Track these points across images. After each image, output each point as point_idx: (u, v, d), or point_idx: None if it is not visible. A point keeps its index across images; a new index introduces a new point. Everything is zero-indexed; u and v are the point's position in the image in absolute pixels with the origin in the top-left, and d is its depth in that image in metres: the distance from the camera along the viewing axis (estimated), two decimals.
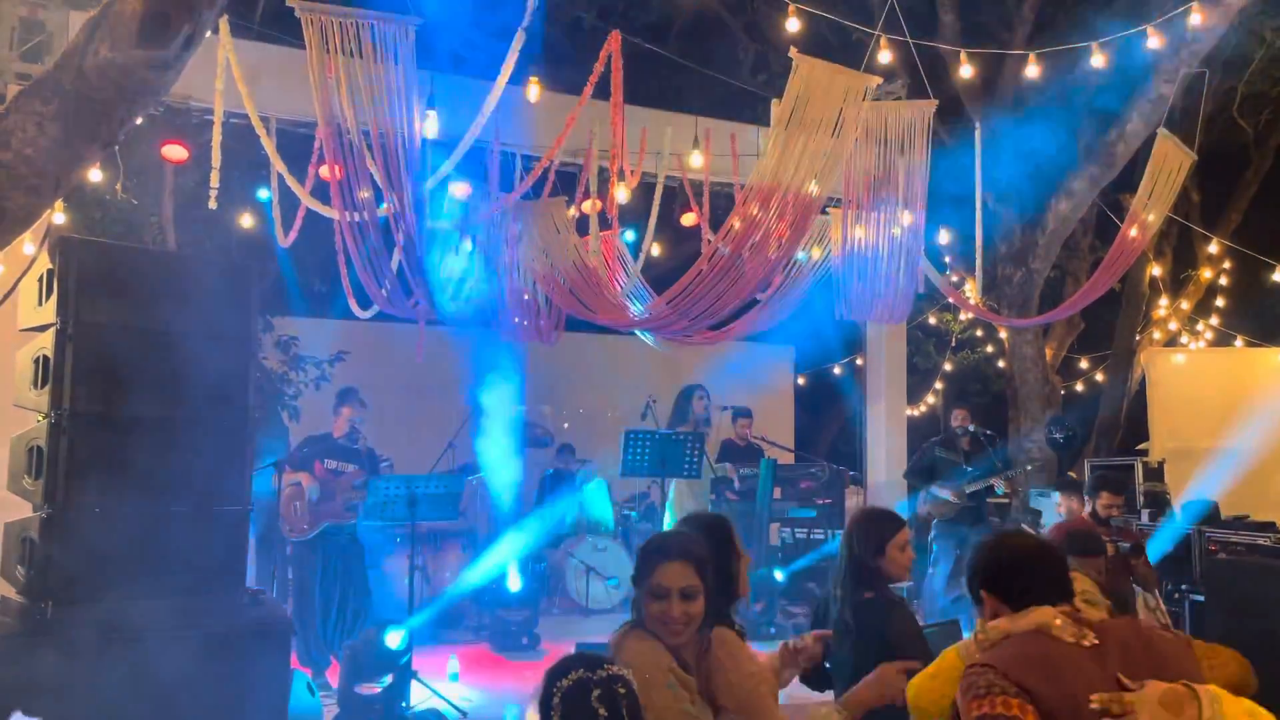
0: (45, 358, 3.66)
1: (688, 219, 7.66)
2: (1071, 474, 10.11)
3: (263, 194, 6.94)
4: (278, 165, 5.74)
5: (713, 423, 7.52)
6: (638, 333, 7.16)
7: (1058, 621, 2.10)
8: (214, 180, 5.40)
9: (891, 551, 3.32)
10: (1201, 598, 6.65)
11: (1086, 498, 5.46)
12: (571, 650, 2.54)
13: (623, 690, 1.97)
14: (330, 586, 6.25)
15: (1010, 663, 1.99)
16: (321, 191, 5.55)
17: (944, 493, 7.70)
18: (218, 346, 3.91)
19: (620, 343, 10.52)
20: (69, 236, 4.17)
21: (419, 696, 5.66)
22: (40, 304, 3.84)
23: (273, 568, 7.12)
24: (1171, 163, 6.40)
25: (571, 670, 2.00)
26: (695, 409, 7.56)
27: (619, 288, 6.93)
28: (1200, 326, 13.06)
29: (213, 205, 5.45)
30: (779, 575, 8.08)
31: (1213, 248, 11.97)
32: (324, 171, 5.44)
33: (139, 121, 4.54)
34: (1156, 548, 6.62)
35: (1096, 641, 2.05)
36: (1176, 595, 7.19)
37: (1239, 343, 12.40)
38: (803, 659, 2.99)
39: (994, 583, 2.32)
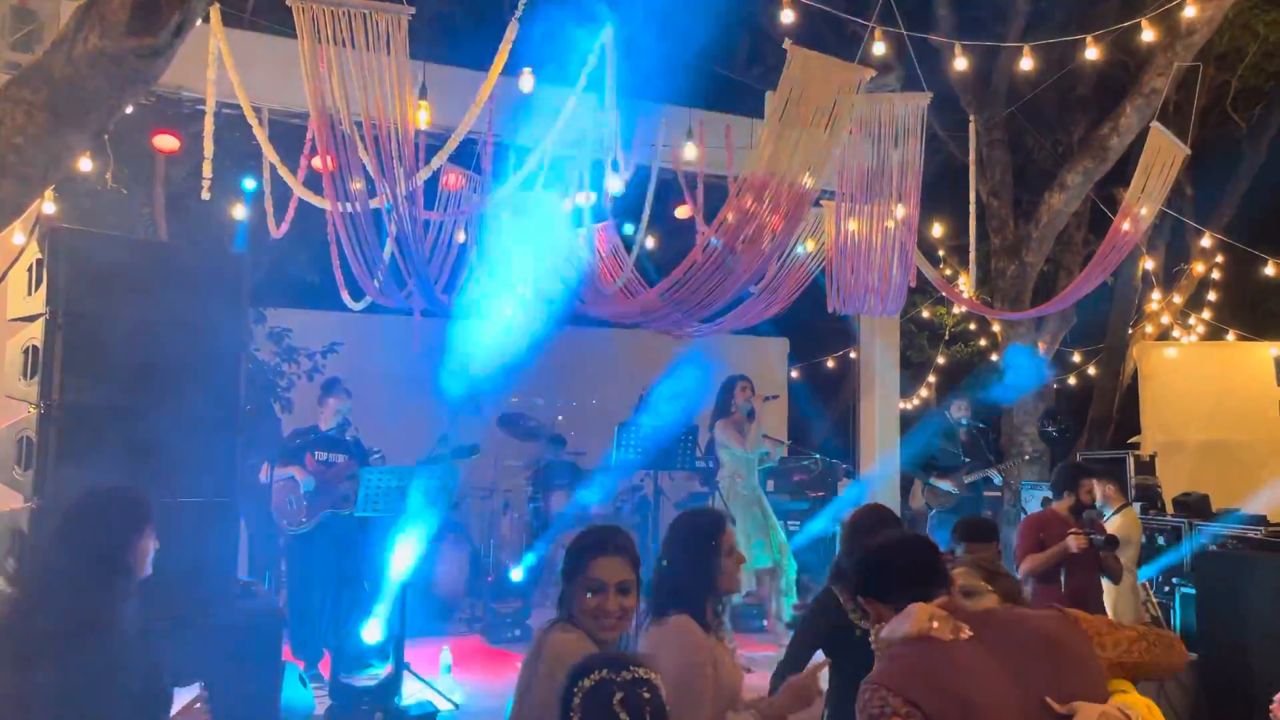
0: (35, 348, 3.65)
1: (682, 211, 7.65)
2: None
3: (249, 184, 6.91)
4: (270, 156, 5.71)
5: (756, 414, 7.44)
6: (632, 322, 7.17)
7: (934, 624, 2.04)
8: (206, 170, 5.37)
9: None
10: (1192, 590, 6.68)
11: (1066, 490, 5.46)
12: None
13: (647, 695, 1.90)
14: (328, 578, 6.23)
15: (897, 679, 1.96)
16: (314, 182, 5.53)
17: (944, 484, 7.73)
18: (208, 337, 3.90)
19: (614, 335, 10.51)
20: (59, 226, 4.14)
21: (411, 689, 5.66)
22: (30, 294, 3.82)
23: (265, 560, 7.12)
24: (1164, 156, 6.41)
25: (594, 670, 1.93)
26: (738, 400, 7.48)
27: (612, 280, 6.93)
28: (1192, 320, 13.09)
29: (205, 195, 5.42)
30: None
31: (1205, 242, 11.99)
32: (316, 162, 5.43)
33: (129, 110, 4.52)
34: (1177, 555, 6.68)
35: (971, 634, 2.01)
36: (1167, 588, 7.23)
37: (1231, 337, 12.44)
38: (812, 694, 2.84)
39: (867, 586, 2.26)
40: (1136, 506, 6.70)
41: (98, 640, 2.44)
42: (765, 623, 7.42)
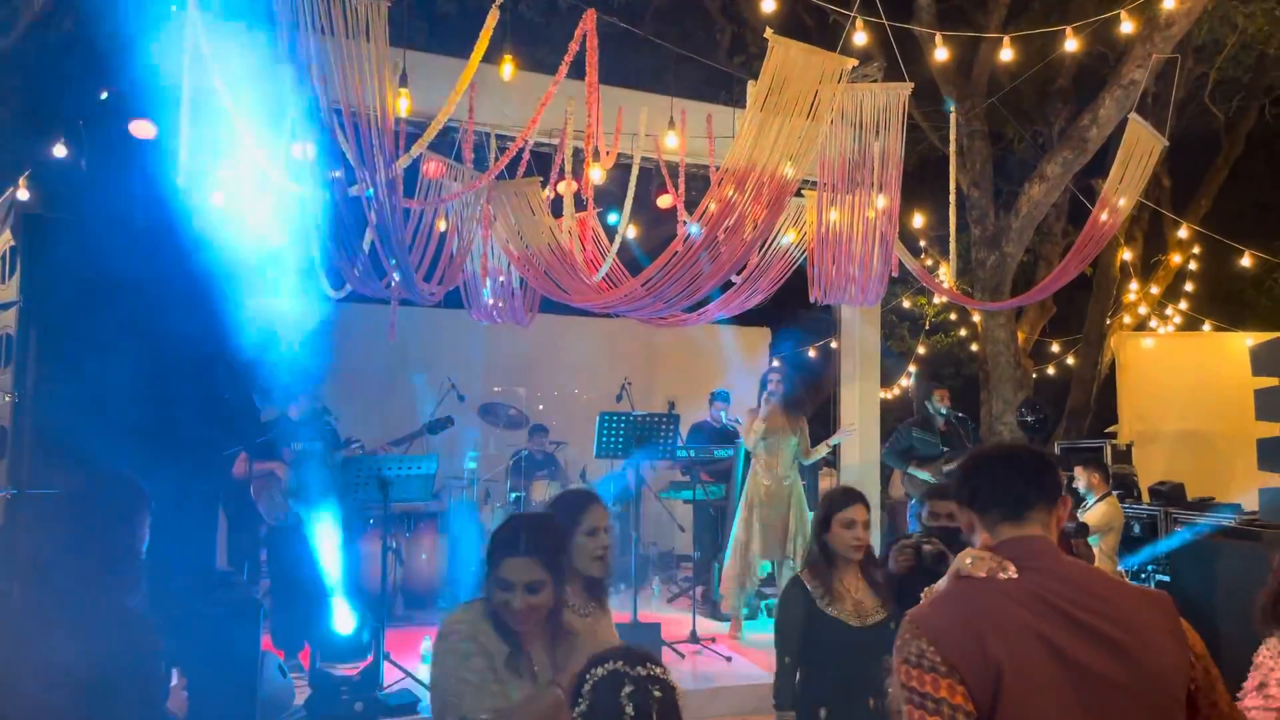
0: (8, 336, 3.61)
1: (664, 201, 7.63)
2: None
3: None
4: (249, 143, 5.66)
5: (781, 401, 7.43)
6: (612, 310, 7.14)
7: (967, 560, 1.90)
8: (183, 157, 5.31)
9: (835, 527, 3.43)
10: (1168, 578, 6.76)
11: None
12: None
13: (658, 693, 1.89)
14: (312, 567, 6.20)
15: (938, 631, 1.81)
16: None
17: (923, 473, 7.77)
18: (187, 326, 3.86)
19: (596, 325, 10.50)
20: (34, 213, 4.10)
21: (392, 678, 5.65)
22: (3, 281, 3.78)
23: (244, 550, 7.07)
24: (1143, 148, 6.44)
25: (610, 660, 1.94)
26: (770, 387, 7.48)
27: (594, 270, 6.91)
28: (1169, 311, 13.20)
29: (181, 183, 5.37)
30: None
31: (1183, 233, 12.09)
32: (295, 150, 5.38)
33: (105, 96, 4.47)
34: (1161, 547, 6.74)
35: (1014, 575, 1.84)
36: (1143, 575, 7.30)
37: (1207, 327, 12.56)
38: None
39: (959, 490, 2.05)
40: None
41: (109, 623, 2.46)
42: None
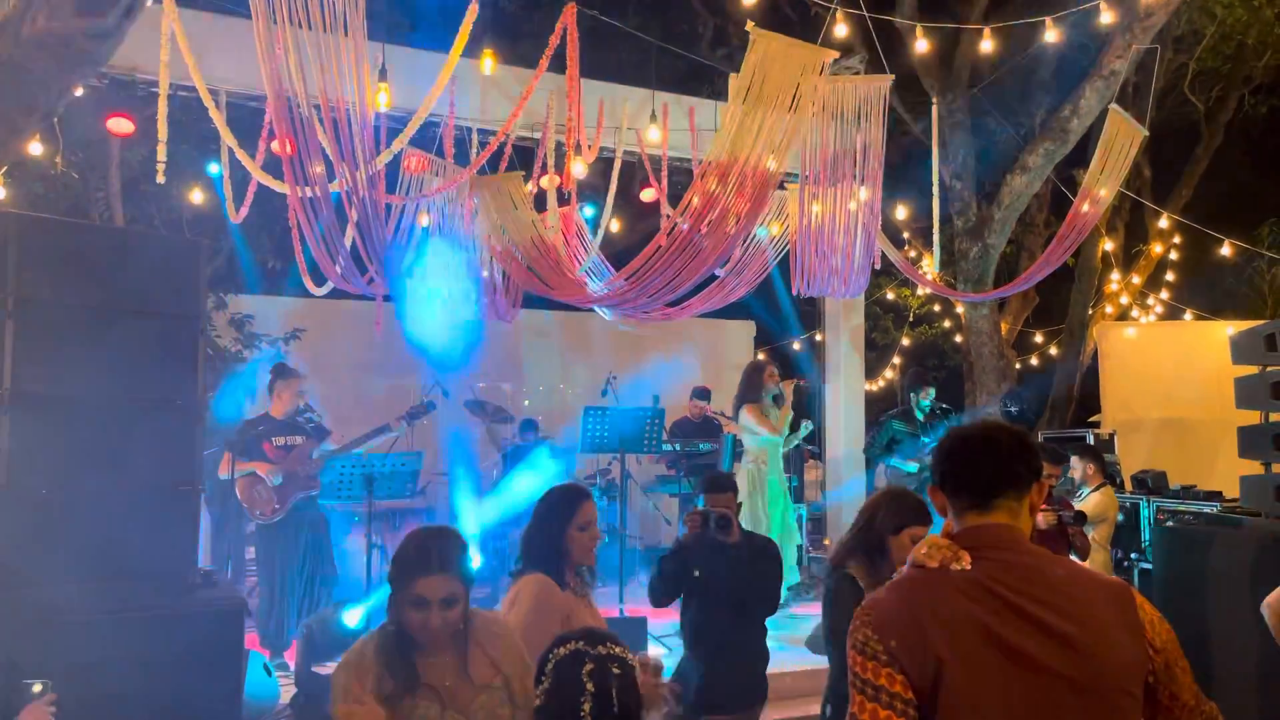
0: None
1: (647, 194, 7.63)
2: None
3: (213, 169, 6.80)
4: (227, 139, 5.62)
5: (785, 399, 7.39)
6: (596, 308, 7.10)
7: (922, 550, 1.89)
8: (161, 154, 5.27)
9: (905, 538, 3.38)
10: (1150, 566, 6.80)
11: None
12: None
13: (618, 671, 1.95)
14: (301, 565, 6.16)
15: (885, 617, 1.81)
16: (274, 166, 5.44)
17: (906, 464, 7.79)
18: (166, 324, 3.83)
19: (580, 319, 10.49)
20: (10, 212, 4.06)
21: None
22: None
23: (228, 547, 7.04)
24: (1123, 138, 6.48)
25: (571, 640, 2.00)
26: (766, 384, 7.41)
27: (577, 264, 6.90)
28: (1151, 300, 13.28)
29: (160, 180, 5.33)
30: None
31: (1163, 223, 12.16)
32: (275, 146, 5.35)
33: (80, 93, 4.43)
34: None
35: (967, 566, 1.82)
36: (1125, 564, 7.36)
37: (1188, 316, 12.64)
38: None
39: (934, 470, 2.01)
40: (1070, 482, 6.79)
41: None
42: None
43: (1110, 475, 7.24)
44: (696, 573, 3.92)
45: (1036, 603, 1.80)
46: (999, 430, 2.00)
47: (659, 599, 4.11)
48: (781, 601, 6.78)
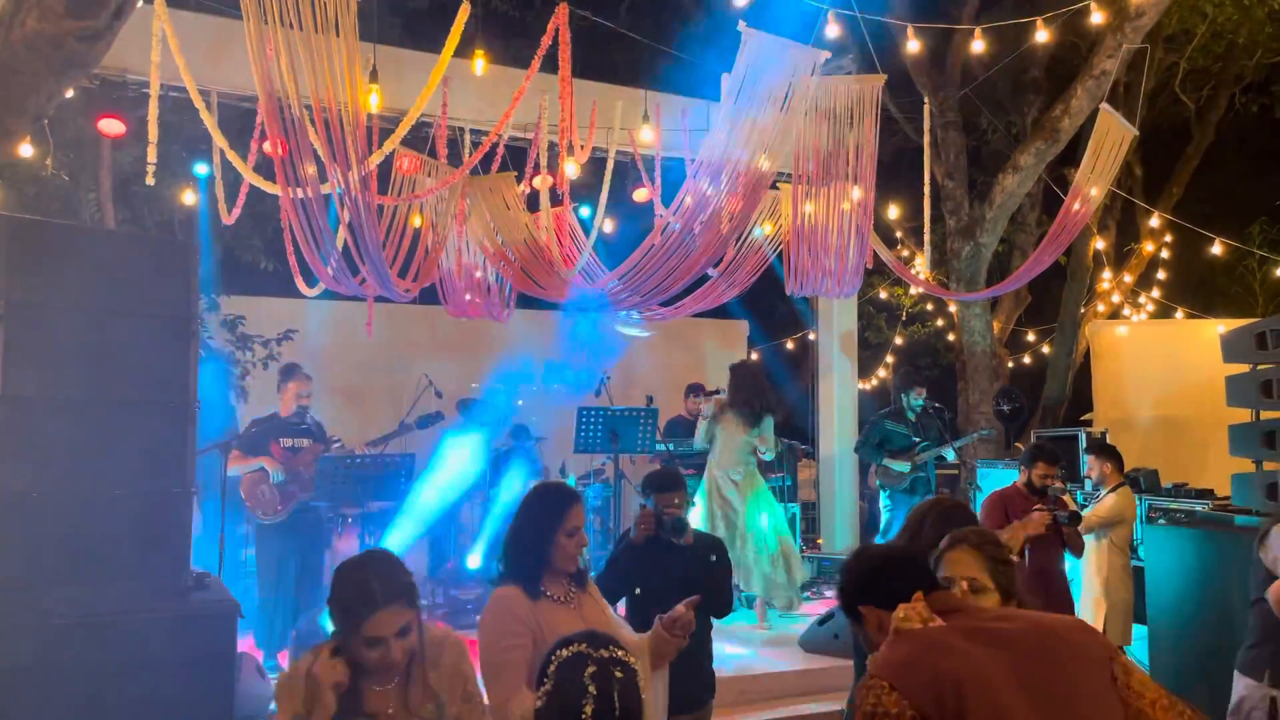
0: None
1: (640, 194, 7.63)
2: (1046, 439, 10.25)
3: (201, 170, 6.79)
4: (219, 140, 5.61)
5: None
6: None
7: (899, 614, 2.08)
8: (151, 155, 5.26)
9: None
10: (1141, 564, 6.82)
11: (1022, 468, 5.56)
12: None
13: (619, 674, 1.95)
14: (301, 567, 6.16)
15: (887, 669, 1.96)
16: (265, 167, 5.43)
17: (898, 463, 7.80)
18: (157, 326, 3.82)
19: (573, 318, 10.47)
20: (1, 214, 4.04)
21: None
22: None
23: (220, 550, 7.00)
24: (1114, 137, 6.50)
25: (574, 643, 1.99)
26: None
27: (571, 265, 6.90)
28: (1143, 299, 13.32)
29: (150, 181, 5.32)
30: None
31: (1155, 221, 12.20)
32: (267, 147, 5.34)
33: (71, 94, 4.41)
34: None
35: (940, 621, 2.04)
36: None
37: (1179, 315, 12.68)
38: (680, 629, 2.93)
39: (867, 593, 2.26)
40: (1088, 483, 6.79)
41: None
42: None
43: (1132, 477, 7.17)
44: (648, 577, 3.73)
45: (1009, 620, 2.10)
46: (898, 550, 2.48)
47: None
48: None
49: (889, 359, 13.64)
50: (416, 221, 6.65)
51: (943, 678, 1.88)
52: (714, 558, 3.90)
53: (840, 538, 9.62)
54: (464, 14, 4.80)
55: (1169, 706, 2.01)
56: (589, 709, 1.90)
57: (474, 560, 7.47)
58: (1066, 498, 5.79)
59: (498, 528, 7.75)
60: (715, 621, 3.98)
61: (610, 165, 7.17)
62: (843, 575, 2.37)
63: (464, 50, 5.14)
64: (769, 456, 7.32)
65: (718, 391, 7.74)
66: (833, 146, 6.12)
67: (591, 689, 1.91)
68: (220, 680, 3.48)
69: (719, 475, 7.01)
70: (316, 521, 6.25)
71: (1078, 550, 5.49)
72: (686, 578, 3.58)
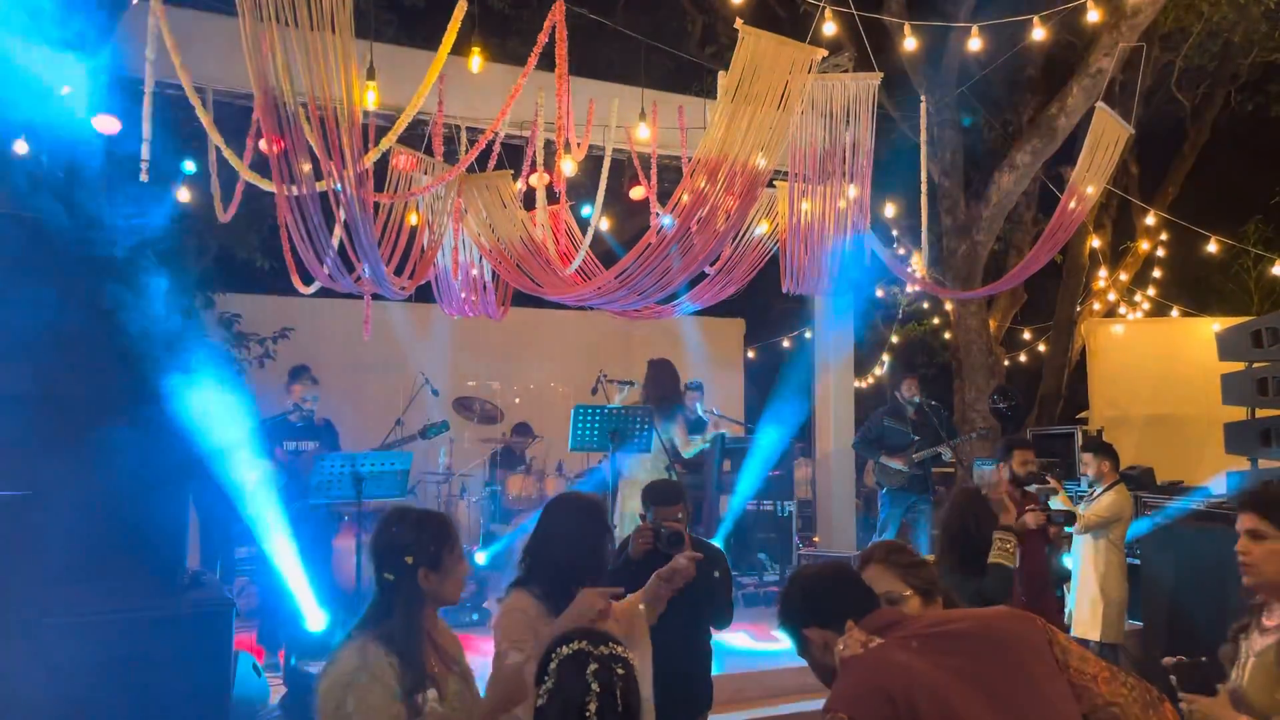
0: None
1: (636, 192, 7.62)
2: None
3: (189, 166, 6.77)
4: (214, 138, 5.58)
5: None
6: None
7: (839, 647, 2.11)
8: (145, 153, 5.23)
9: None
10: (1137, 561, 6.83)
11: (1001, 465, 5.54)
12: None
13: (621, 671, 1.96)
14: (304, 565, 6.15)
15: (846, 702, 1.97)
16: (261, 165, 5.41)
17: (894, 462, 7.80)
18: (151, 324, 3.81)
19: (569, 318, 10.48)
20: None
21: None
22: None
23: (217, 548, 7.00)
24: (1110, 136, 6.50)
25: (574, 640, 2.00)
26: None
27: (567, 262, 6.88)
28: (1138, 297, 13.33)
29: (144, 178, 5.29)
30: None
31: (1150, 220, 12.21)
32: (263, 145, 5.32)
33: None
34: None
35: (880, 640, 2.07)
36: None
37: (1175, 313, 12.69)
38: (678, 580, 3.01)
39: (809, 615, 2.26)
40: (1084, 480, 6.80)
41: None
42: None
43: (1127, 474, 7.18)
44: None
45: (953, 620, 2.14)
46: (833, 566, 2.41)
47: None
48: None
49: (885, 357, 13.65)
50: (413, 219, 6.63)
51: (895, 697, 1.90)
52: (717, 574, 3.86)
53: (837, 536, 9.63)
54: (460, 11, 4.78)
55: (1110, 679, 2.06)
56: (593, 706, 1.91)
57: (480, 558, 7.50)
58: (1063, 497, 5.80)
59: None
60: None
61: (607, 163, 7.16)
62: (782, 600, 2.34)
63: (460, 47, 5.12)
64: (690, 454, 7.39)
65: (631, 384, 7.77)
66: (829, 144, 6.11)
67: (595, 686, 1.92)
68: (216, 678, 3.47)
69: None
70: (323, 520, 6.26)
71: (1060, 548, 5.49)
72: (687, 590, 3.55)
